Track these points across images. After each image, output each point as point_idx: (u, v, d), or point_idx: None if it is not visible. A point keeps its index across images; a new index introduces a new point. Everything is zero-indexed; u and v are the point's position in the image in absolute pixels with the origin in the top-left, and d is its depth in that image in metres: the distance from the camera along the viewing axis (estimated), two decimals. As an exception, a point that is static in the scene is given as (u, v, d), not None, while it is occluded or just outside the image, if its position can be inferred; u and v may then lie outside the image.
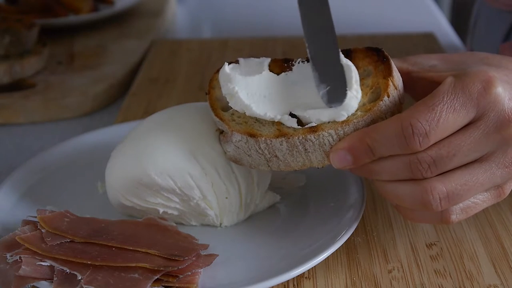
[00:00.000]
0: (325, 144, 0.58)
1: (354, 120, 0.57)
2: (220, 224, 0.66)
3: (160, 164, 0.63)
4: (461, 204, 0.57)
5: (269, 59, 0.65)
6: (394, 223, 0.68)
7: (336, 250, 0.61)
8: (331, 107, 0.58)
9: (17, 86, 1.01)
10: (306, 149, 0.58)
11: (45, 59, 1.07)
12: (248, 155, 0.60)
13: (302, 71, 0.63)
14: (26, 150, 0.88)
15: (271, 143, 0.58)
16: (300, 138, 0.58)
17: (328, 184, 0.71)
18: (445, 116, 0.54)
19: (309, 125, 0.58)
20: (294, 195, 0.71)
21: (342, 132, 0.57)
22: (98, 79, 1.03)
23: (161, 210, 0.65)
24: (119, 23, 1.30)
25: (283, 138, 0.58)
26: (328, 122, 0.58)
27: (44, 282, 0.56)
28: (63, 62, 1.11)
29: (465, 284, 0.59)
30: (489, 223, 0.67)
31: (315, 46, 0.62)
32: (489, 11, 1.01)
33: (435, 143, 0.55)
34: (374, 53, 0.63)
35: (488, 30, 1.02)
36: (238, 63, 0.65)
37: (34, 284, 0.57)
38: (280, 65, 0.65)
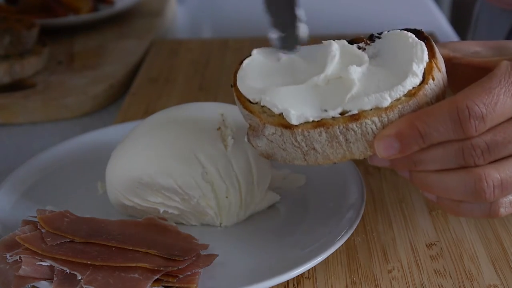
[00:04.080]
0: (368, 133, 0.53)
1: (399, 106, 0.53)
2: (220, 223, 0.66)
3: (160, 164, 0.63)
4: (510, 197, 0.54)
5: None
6: (394, 223, 0.67)
7: (336, 250, 0.61)
8: (284, 53, 0.57)
9: (17, 86, 1.01)
10: (347, 140, 0.53)
11: (45, 59, 1.07)
12: (283, 149, 0.56)
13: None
14: (26, 150, 0.88)
15: (308, 135, 0.54)
16: (341, 127, 0.53)
17: (328, 184, 0.71)
18: (502, 99, 0.51)
19: (350, 113, 0.53)
20: (294, 195, 0.71)
21: (386, 119, 0.53)
22: (98, 79, 1.03)
23: (161, 210, 0.65)
24: (119, 23, 1.30)
25: (322, 129, 0.53)
26: (371, 109, 0.53)
27: (44, 282, 0.56)
28: (63, 62, 1.11)
29: (465, 284, 0.59)
30: (489, 223, 0.67)
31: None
32: (491, 11, 1.01)
33: (490, 129, 0.52)
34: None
35: (490, 29, 1.03)
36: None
37: (34, 284, 0.56)
38: None
